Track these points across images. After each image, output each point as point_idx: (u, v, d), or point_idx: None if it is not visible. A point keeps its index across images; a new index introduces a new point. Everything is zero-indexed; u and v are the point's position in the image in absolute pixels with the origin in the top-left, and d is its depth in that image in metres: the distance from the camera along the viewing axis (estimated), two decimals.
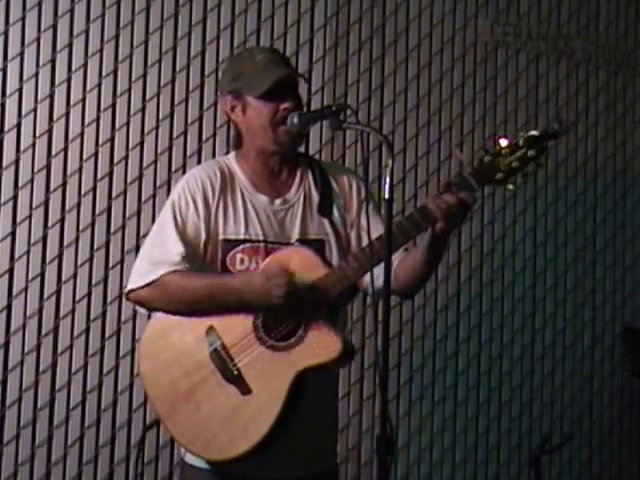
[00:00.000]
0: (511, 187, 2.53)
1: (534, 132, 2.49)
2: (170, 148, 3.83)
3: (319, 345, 2.59)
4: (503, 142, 2.50)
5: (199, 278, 2.66)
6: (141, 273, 2.70)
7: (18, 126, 3.65)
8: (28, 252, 3.63)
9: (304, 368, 2.59)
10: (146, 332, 2.76)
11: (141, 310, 2.78)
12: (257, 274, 2.63)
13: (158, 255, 2.68)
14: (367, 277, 2.63)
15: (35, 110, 3.67)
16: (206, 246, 2.71)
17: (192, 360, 2.66)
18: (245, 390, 2.61)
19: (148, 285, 2.67)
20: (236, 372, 2.62)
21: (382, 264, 2.45)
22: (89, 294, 3.69)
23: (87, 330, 3.68)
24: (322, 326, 2.60)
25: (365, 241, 2.73)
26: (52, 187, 3.67)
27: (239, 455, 2.59)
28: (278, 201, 2.76)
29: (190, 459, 2.70)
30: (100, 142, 3.74)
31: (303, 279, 2.60)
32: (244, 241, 2.70)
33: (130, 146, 3.78)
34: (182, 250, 2.66)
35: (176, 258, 2.65)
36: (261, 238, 2.71)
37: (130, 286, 2.72)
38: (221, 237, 2.71)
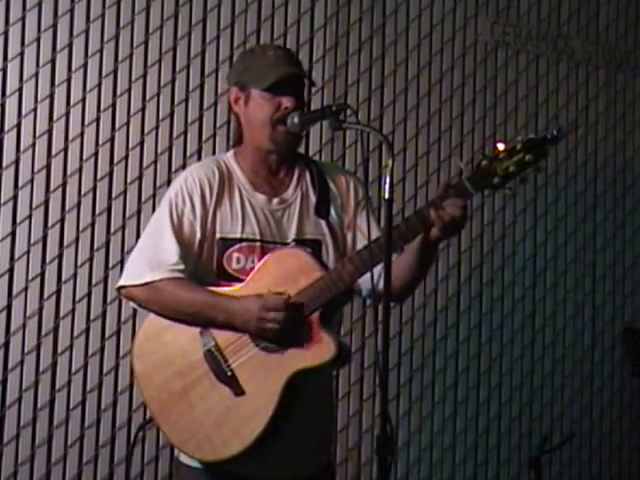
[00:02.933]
0: (508, 192, 2.52)
1: (532, 136, 2.48)
2: (170, 148, 3.83)
3: (313, 347, 2.59)
4: (501, 146, 2.49)
5: (195, 292, 2.65)
6: (136, 271, 2.69)
7: (18, 126, 3.65)
8: (28, 252, 3.63)
9: (297, 370, 2.59)
10: (140, 332, 2.76)
11: (133, 305, 2.77)
12: (256, 302, 2.60)
13: (155, 255, 2.67)
14: (360, 279, 2.63)
15: (35, 110, 3.67)
16: (202, 245, 2.70)
17: (186, 360, 2.66)
18: (238, 391, 2.62)
19: (142, 285, 2.67)
20: (230, 373, 2.62)
21: (378, 266, 2.46)
22: (89, 294, 3.69)
23: (87, 330, 3.68)
24: (317, 328, 2.60)
25: (360, 242, 2.74)
26: (52, 187, 3.67)
27: (232, 456, 2.59)
28: (276, 200, 2.76)
29: (184, 458, 2.70)
30: (100, 142, 3.74)
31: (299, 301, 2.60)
32: (240, 240, 2.70)
33: (130, 146, 3.77)
34: (178, 251, 2.66)
35: (173, 259, 2.65)
36: (257, 237, 2.71)
37: (123, 282, 2.71)
38: (218, 236, 2.71)
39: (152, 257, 2.68)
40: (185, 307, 2.65)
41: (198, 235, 2.70)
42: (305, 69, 3.93)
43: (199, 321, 2.65)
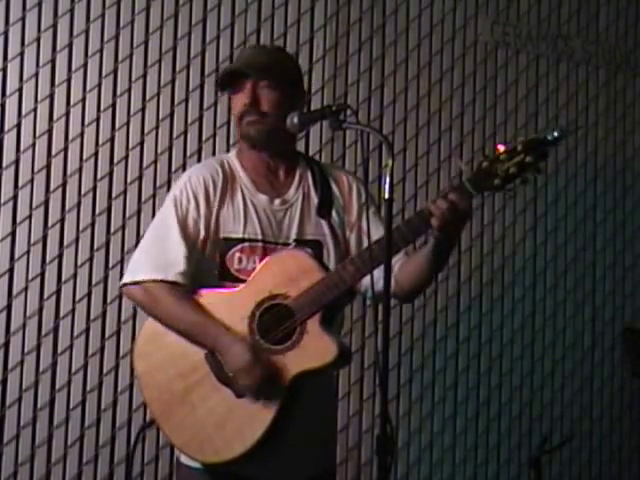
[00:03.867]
0: (510, 193, 2.51)
1: (533, 137, 2.48)
2: (170, 148, 3.83)
3: (314, 349, 2.59)
4: (501, 147, 2.49)
5: (188, 311, 2.64)
6: (139, 269, 2.69)
7: (18, 126, 3.65)
8: (28, 252, 3.63)
9: (299, 372, 2.59)
10: (142, 332, 2.76)
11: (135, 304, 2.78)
12: (247, 355, 2.59)
13: (160, 254, 2.67)
14: (365, 280, 2.63)
15: (35, 110, 3.67)
16: (205, 243, 2.71)
17: (187, 361, 2.66)
18: (240, 393, 2.61)
19: (139, 283, 2.67)
20: (231, 374, 2.62)
21: (381, 267, 2.45)
22: (89, 294, 3.69)
23: (87, 330, 3.68)
24: (318, 330, 2.60)
25: (365, 244, 2.73)
26: (52, 187, 3.67)
27: (234, 458, 2.59)
28: (277, 201, 2.76)
29: (185, 459, 2.71)
30: (100, 142, 3.74)
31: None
32: (242, 240, 2.70)
33: (130, 146, 3.77)
34: (185, 251, 2.66)
35: (178, 261, 2.65)
36: (259, 237, 2.71)
37: (126, 279, 2.72)
38: (220, 235, 2.71)
39: (157, 256, 2.68)
40: (176, 322, 2.66)
41: (202, 234, 2.70)
42: (305, 69, 3.97)
43: (187, 337, 2.66)
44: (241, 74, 2.73)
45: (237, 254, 2.70)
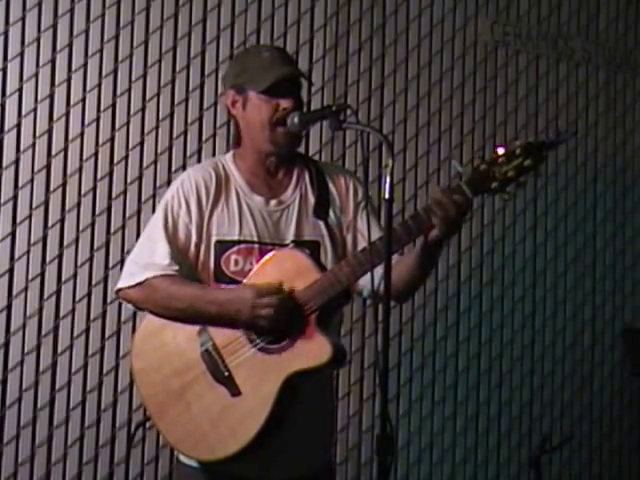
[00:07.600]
0: (506, 197, 2.50)
1: (532, 141, 2.47)
2: (170, 148, 3.83)
3: (309, 349, 2.59)
4: (500, 150, 2.47)
5: (187, 287, 2.66)
6: (131, 273, 2.71)
7: (18, 126, 3.65)
8: (28, 252, 3.64)
9: (294, 372, 2.59)
10: (139, 330, 2.77)
11: (131, 307, 2.78)
12: (248, 290, 2.61)
13: (147, 257, 2.69)
14: (362, 280, 2.63)
15: (35, 110, 3.67)
16: (198, 248, 2.71)
17: (183, 360, 2.67)
18: (235, 391, 2.62)
19: (136, 286, 2.68)
20: (227, 373, 2.63)
21: (379, 268, 2.45)
22: (89, 294, 3.69)
23: (87, 330, 3.68)
24: (313, 330, 2.60)
25: (361, 244, 2.73)
26: (52, 187, 3.67)
27: (228, 456, 2.59)
28: (273, 202, 2.76)
29: (183, 457, 2.71)
30: (100, 142, 3.74)
31: (294, 291, 2.59)
32: (239, 242, 2.70)
33: (130, 146, 3.78)
34: (169, 251, 2.67)
35: (166, 261, 2.66)
36: (255, 239, 2.71)
37: (119, 285, 2.74)
38: (215, 238, 2.71)
39: (146, 259, 2.70)
40: (177, 302, 2.65)
41: (194, 238, 2.70)
42: (305, 69, 3.97)
43: (191, 316, 2.66)
44: (287, 79, 2.69)
45: (233, 256, 2.70)
